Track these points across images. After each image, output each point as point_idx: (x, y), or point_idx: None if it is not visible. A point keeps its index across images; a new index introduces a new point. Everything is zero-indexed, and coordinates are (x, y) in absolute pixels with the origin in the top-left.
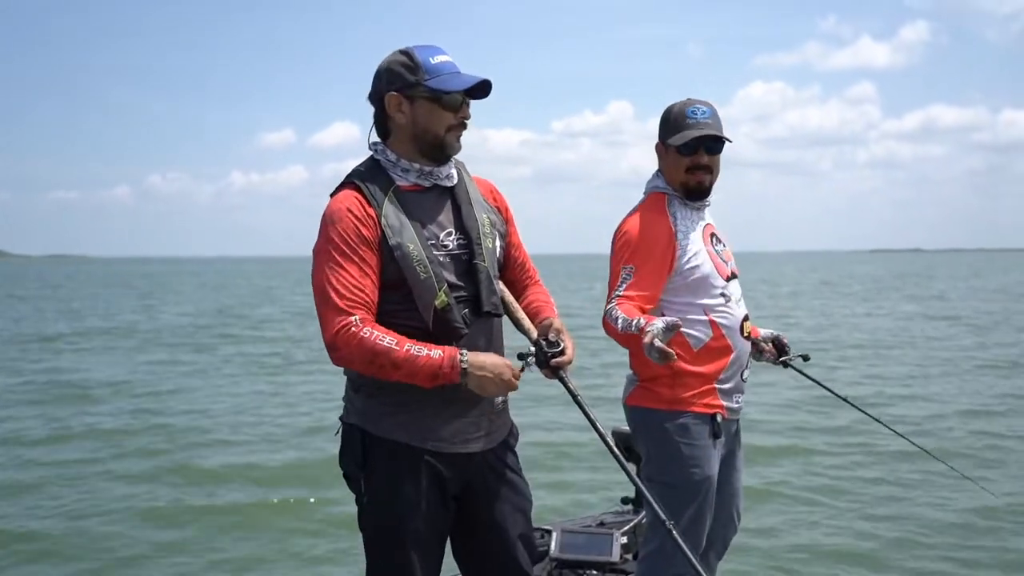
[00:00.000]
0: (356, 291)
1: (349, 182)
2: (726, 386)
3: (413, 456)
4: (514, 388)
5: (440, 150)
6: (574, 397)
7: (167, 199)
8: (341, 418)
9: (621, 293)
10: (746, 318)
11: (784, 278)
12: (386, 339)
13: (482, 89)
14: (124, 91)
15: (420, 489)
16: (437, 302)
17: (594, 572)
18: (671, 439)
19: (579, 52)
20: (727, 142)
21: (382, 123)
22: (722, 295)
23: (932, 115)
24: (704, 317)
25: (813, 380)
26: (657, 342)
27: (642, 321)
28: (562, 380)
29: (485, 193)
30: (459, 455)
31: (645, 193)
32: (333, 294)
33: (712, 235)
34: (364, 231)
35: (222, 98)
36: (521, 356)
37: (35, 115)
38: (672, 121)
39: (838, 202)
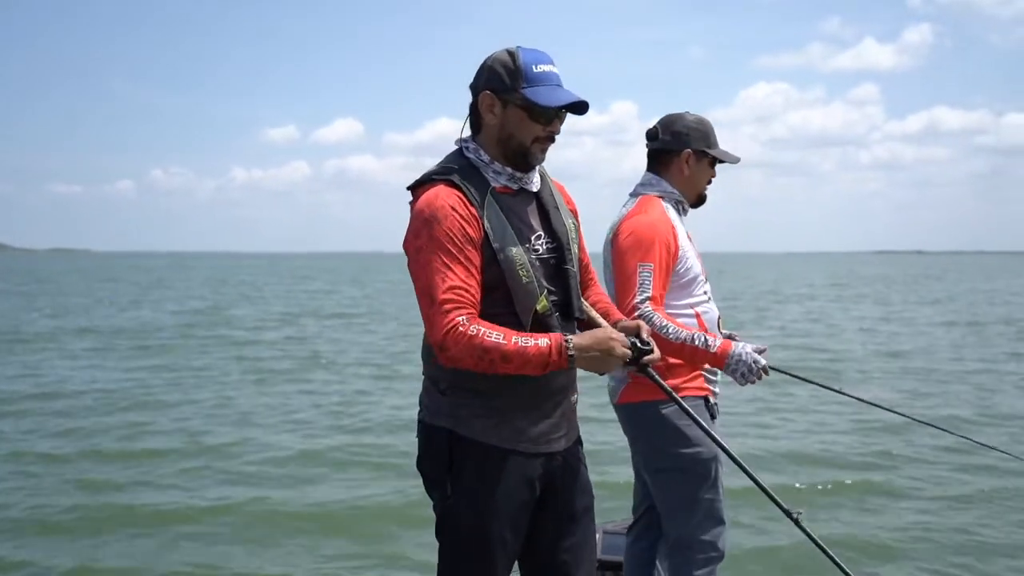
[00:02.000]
0: (463, 291)
1: (443, 179)
2: (709, 373)
3: (504, 458)
4: (624, 359)
5: (523, 159)
6: (669, 394)
7: (169, 193)
8: (422, 420)
9: (649, 294)
10: (720, 315)
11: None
12: (493, 334)
13: (577, 108)
14: (127, 84)
15: (510, 491)
16: (539, 307)
17: None
18: (672, 424)
19: (582, 53)
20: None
21: (475, 118)
22: (704, 293)
23: (935, 117)
24: (691, 311)
25: (778, 370)
26: (763, 360)
27: (710, 340)
28: (652, 377)
29: (563, 196)
30: (544, 455)
31: (637, 195)
32: (440, 295)
33: (688, 236)
34: (469, 230)
35: (225, 92)
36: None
37: (38, 107)
38: (711, 134)
39: (840, 203)
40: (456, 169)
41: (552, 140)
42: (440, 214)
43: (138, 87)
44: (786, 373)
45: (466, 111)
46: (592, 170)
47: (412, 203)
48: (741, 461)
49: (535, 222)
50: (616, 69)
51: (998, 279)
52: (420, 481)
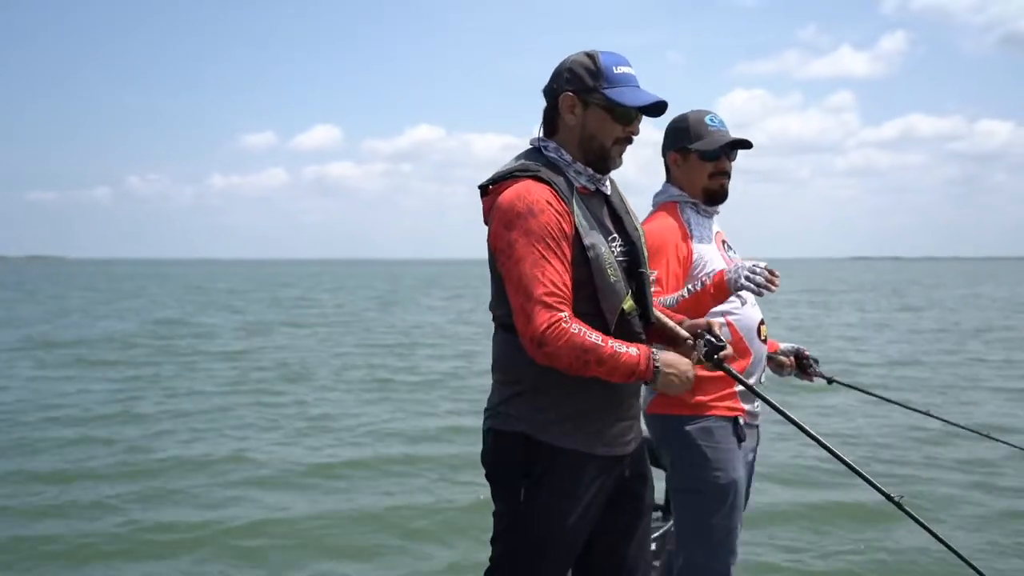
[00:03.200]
0: (562, 287)
1: (531, 175)
2: (745, 397)
3: (581, 461)
4: (690, 387)
5: (603, 160)
6: (749, 388)
7: (146, 200)
8: (492, 427)
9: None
10: (762, 322)
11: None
12: (592, 335)
13: (658, 108)
14: (104, 90)
15: (585, 494)
16: (625, 306)
17: None
18: (694, 443)
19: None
20: (749, 147)
21: (551, 120)
22: (738, 298)
23: (910, 124)
24: (722, 319)
25: (850, 386)
26: (761, 263)
27: (702, 280)
28: (729, 372)
29: None
30: (618, 457)
31: (655, 205)
32: (540, 289)
33: (723, 242)
34: (564, 225)
35: (202, 98)
36: (695, 349)
37: (12, 113)
38: (693, 129)
39: (817, 210)
40: (540, 167)
41: (630, 141)
42: (536, 208)
43: (115, 93)
44: (855, 388)
45: (444, 118)
46: None
47: (489, 200)
48: (831, 447)
49: (609, 224)
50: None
51: (985, 284)
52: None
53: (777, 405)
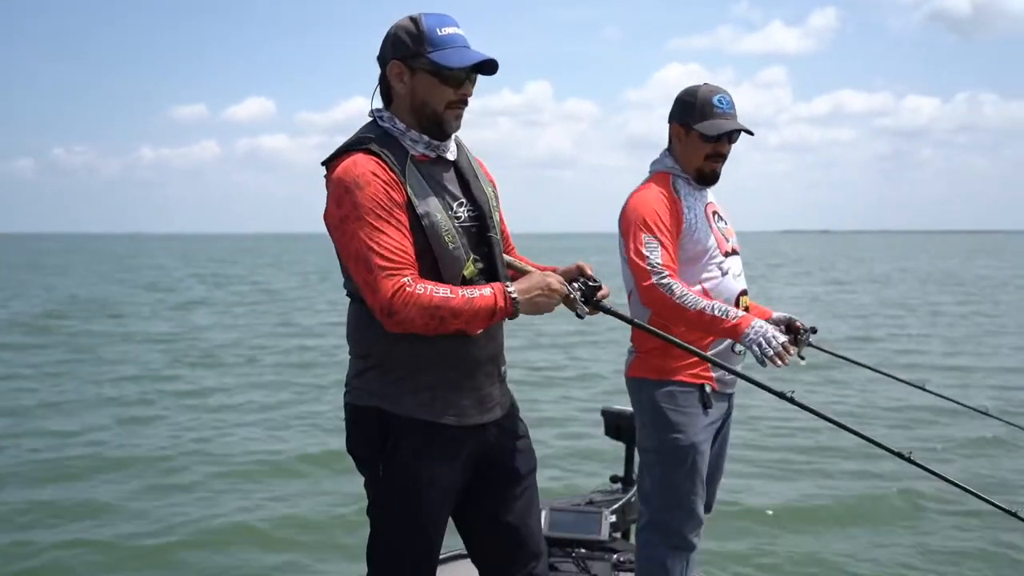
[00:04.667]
0: (400, 252)
1: (361, 148)
2: (716, 357)
3: (436, 432)
4: (564, 293)
5: (438, 126)
6: (630, 321)
7: (72, 173)
8: (350, 402)
9: (661, 261)
10: (744, 292)
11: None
12: (440, 290)
13: (488, 67)
14: (26, 60)
15: (443, 464)
16: (466, 272)
17: (582, 550)
18: (658, 406)
19: (498, 31)
20: (750, 134)
21: (387, 90)
22: (718, 268)
23: (840, 100)
24: (697, 287)
25: (831, 353)
26: (781, 337)
27: (731, 312)
28: (608, 310)
29: (481, 168)
30: (478, 426)
31: (651, 172)
32: (378, 259)
33: (714, 212)
34: (394, 194)
35: (129, 68)
36: (571, 292)
37: None
38: (699, 107)
39: (751, 184)
40: (372, 139)
41: (465, 103)
42: (362, 180)
43: (39, 64)
44: (842, 357)
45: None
46: (506, 151)
47: (328, 176)
48: (834, 418)
49: (455, 189)
50: (531, 49)
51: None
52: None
53: (737, 370)
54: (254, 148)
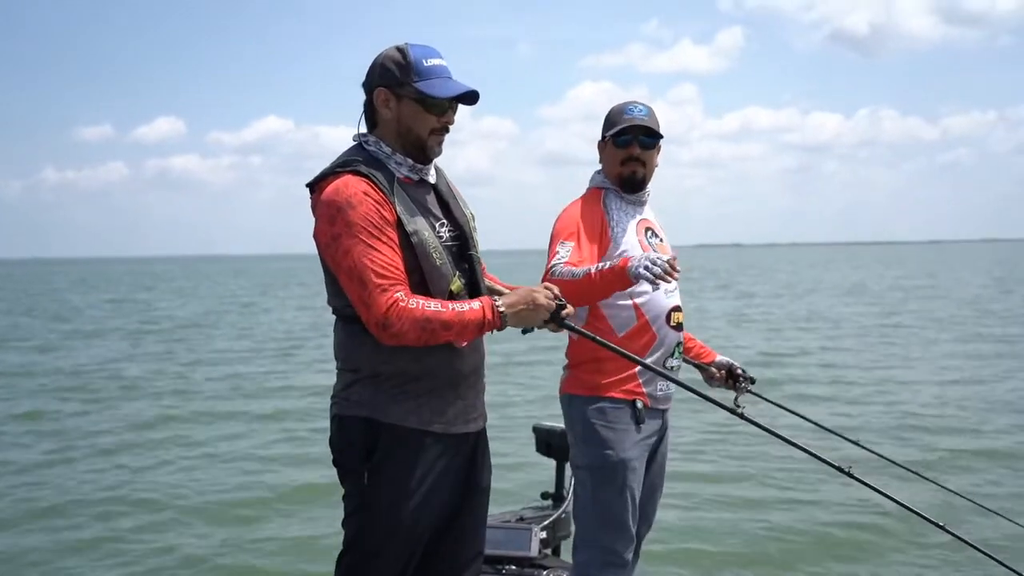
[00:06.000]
0: (393, 269)
1: (350, 170)
2: (648, 373)
3: (423, 440)
4: (550, 307)
5: (421, 151)
6: (593, 339)
7: None
8: (336, 413)
9: (564, 259)
10: (677, 308)
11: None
12: (431, 304)
13: (470, 97)
14: None
15: (430, 472)
16: (453, 287)
17: (512, 567)
18: (589, 422)
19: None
20: (660, 138)
21: (371, 114)
22: (652, 284)
23: (749, 116)
24: (629, 302)
25: (768, 400)
26: (664, 255)
27: (609, 263)
28: (572, 328)
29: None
30: (463, 436)
31: (587, 189)
32: (373, 275)
33: (647, 229)
34: (385, 213)
35: (30, 88)
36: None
37: None
38: (611, 117)
39: (664, 201)
40: (360, 160)
41: (447, 130)
42: (355, 200)
43: None
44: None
45: (292, 110)
46: None
47: (314, 197)
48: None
49: (437, 211)
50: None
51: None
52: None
53: (675, 377)
54: (164, 169)
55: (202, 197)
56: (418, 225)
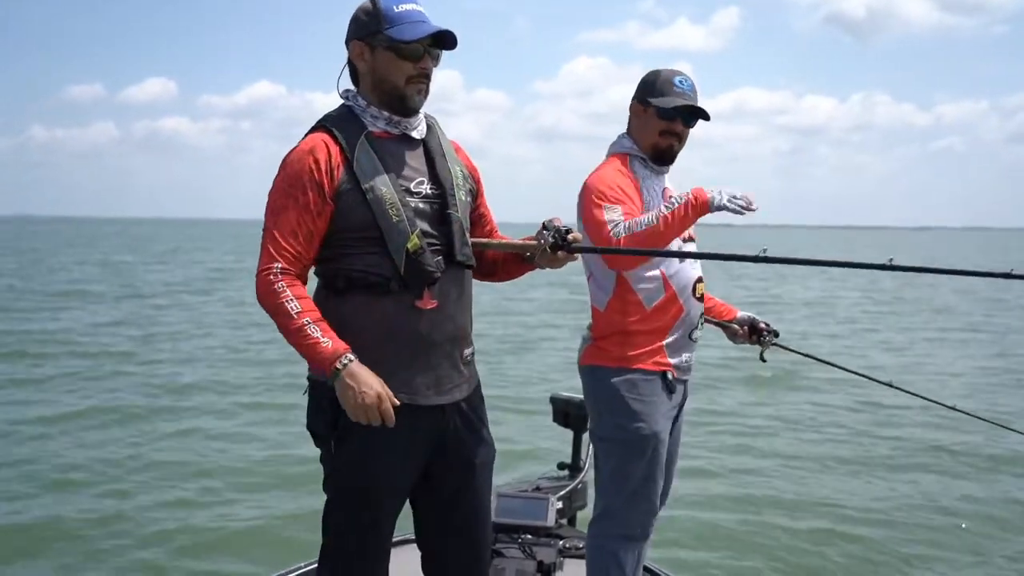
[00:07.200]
0: (289, 238)
1: (320, 126)
2: (674, 344)
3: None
4: (374, 417)
5: (400, 101)
6: (598, 250)
7: None
8: (309, 376)
9: (622, 219)
10: (700, 280)
11: None
12: (293, 303)
13: (446, 40)
14: None
15: (395, 442)
16: (409, 245)
17: (529, 536)
18: (619, 395)
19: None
20: (706, 119)
21: (354, 71)
22: (691, 241)
23: (742, 97)
24: (657, 273)
25: (793, 351)
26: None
27: (681, 197)
28: (580, 249)
29: (457, 152)
30: (435, 407)
31: (608, 155)
32: (268, 237)
33: (671, 197)
34: (321, 172)
35: (17, 46)
36: (541, 240)
37: None
38: (659, 84)
39: None
40: (334, 116)
41: (427, 78)
42: (289, 158)
43: None
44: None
45: (284, 76)
46: None
47: None
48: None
49: (419, 167)
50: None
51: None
52: None
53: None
54: (154, 131)
55: (191, 160)
56: (375, 181)
